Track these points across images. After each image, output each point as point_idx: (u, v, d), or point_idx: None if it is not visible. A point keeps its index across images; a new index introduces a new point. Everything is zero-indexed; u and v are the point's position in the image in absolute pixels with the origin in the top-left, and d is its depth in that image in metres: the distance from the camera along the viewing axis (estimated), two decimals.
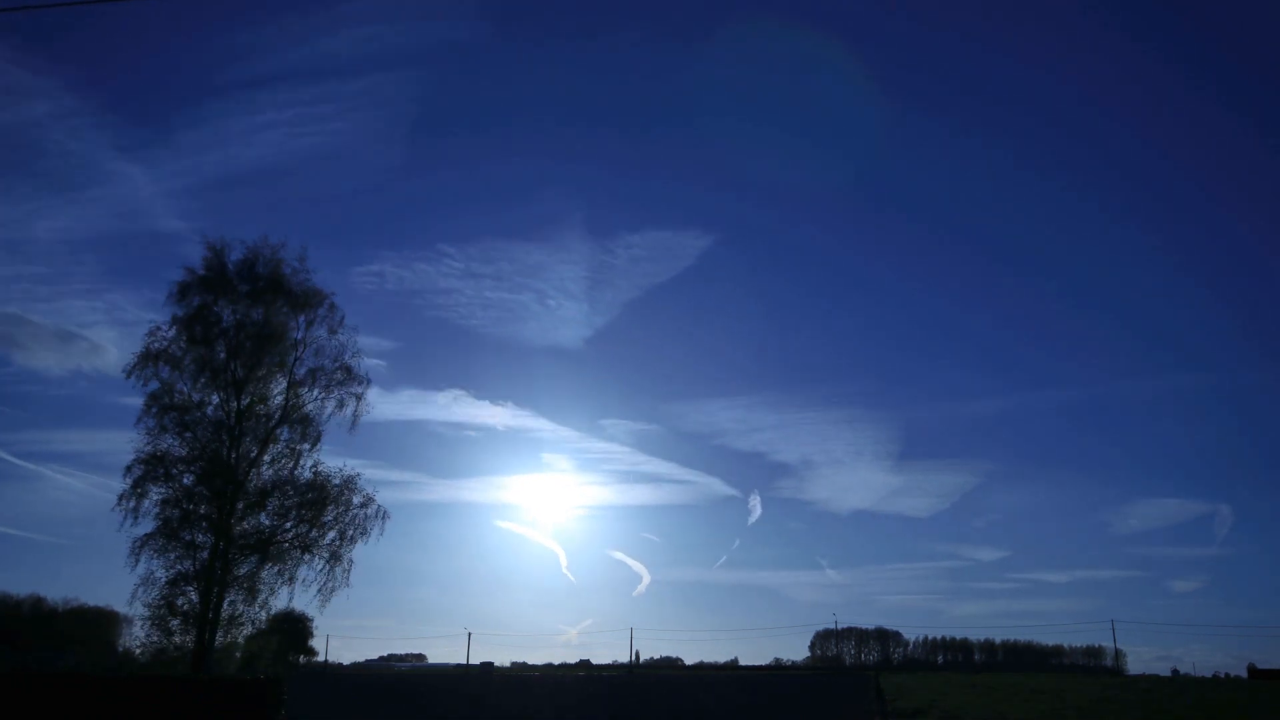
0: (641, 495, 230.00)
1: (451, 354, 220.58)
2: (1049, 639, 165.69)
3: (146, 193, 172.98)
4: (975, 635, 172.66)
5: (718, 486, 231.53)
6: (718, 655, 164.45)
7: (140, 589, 29.94)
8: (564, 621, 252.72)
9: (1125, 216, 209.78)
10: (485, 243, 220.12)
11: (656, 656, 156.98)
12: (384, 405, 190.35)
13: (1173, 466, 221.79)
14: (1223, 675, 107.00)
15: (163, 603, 30.08)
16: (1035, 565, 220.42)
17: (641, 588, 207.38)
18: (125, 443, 31.20)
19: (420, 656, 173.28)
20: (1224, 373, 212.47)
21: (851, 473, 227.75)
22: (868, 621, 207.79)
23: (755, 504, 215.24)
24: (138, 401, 31.32)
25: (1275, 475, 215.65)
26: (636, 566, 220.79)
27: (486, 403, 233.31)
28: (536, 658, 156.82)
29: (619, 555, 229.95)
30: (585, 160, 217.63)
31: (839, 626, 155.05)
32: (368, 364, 35.78)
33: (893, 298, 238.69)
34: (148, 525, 30.41)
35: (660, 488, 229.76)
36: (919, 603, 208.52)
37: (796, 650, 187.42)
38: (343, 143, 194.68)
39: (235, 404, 32.23)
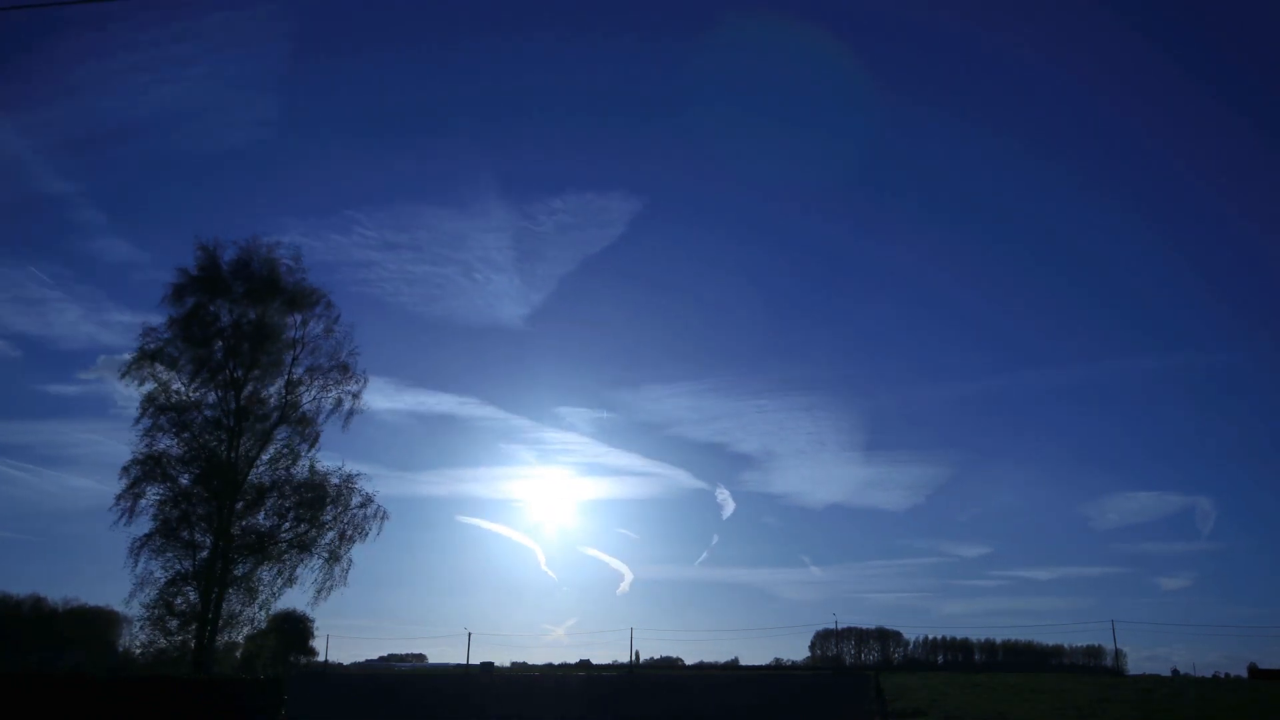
0: (609, 488, 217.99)
1: (383, 335, 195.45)
2: (1049, 639, 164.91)
3: (19, 148, 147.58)
4: (974, 635, 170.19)
5: (684, 479, 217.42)
6: (718, 655, 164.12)
7: (139, 589, 29.97)
8: (548, 620, 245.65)
9: (1103, 191, 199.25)
10: (395, 208, 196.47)
11: (656, 656, 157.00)
12: None
13: (1149, 458, 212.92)
14: (1223, 675, 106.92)
15: (162, 603, 30.05)
16: (1020, 562, 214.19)
17: (624, 585, 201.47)
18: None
19: (420, 656, 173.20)
20: (1201, 353, 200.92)
21: (818, 465, 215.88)
22: (857, 620, 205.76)
23: (725, 498, 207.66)
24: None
25: (1256, 466, 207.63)
26: (616, 564, 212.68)
27: (431, 389, 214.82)
28: (531, 657, 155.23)
29: (594, 552, 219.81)
30: (492, 109, 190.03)
31: (839, 626, 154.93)
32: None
33: (848, 275, 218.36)
34: (145, 525, 30.46)
35: (625, 480, 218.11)
36: (907, 601, 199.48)
37: (796, 650, 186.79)
38: (208, 91, 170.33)
39: (233, 403, 32.20)
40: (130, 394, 31.51)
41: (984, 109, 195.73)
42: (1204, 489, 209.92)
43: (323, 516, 32.11)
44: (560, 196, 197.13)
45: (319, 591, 31.57)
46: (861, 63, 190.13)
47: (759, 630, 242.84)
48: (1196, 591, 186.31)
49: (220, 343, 32.44)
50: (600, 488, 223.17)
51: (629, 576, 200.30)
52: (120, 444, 31.26)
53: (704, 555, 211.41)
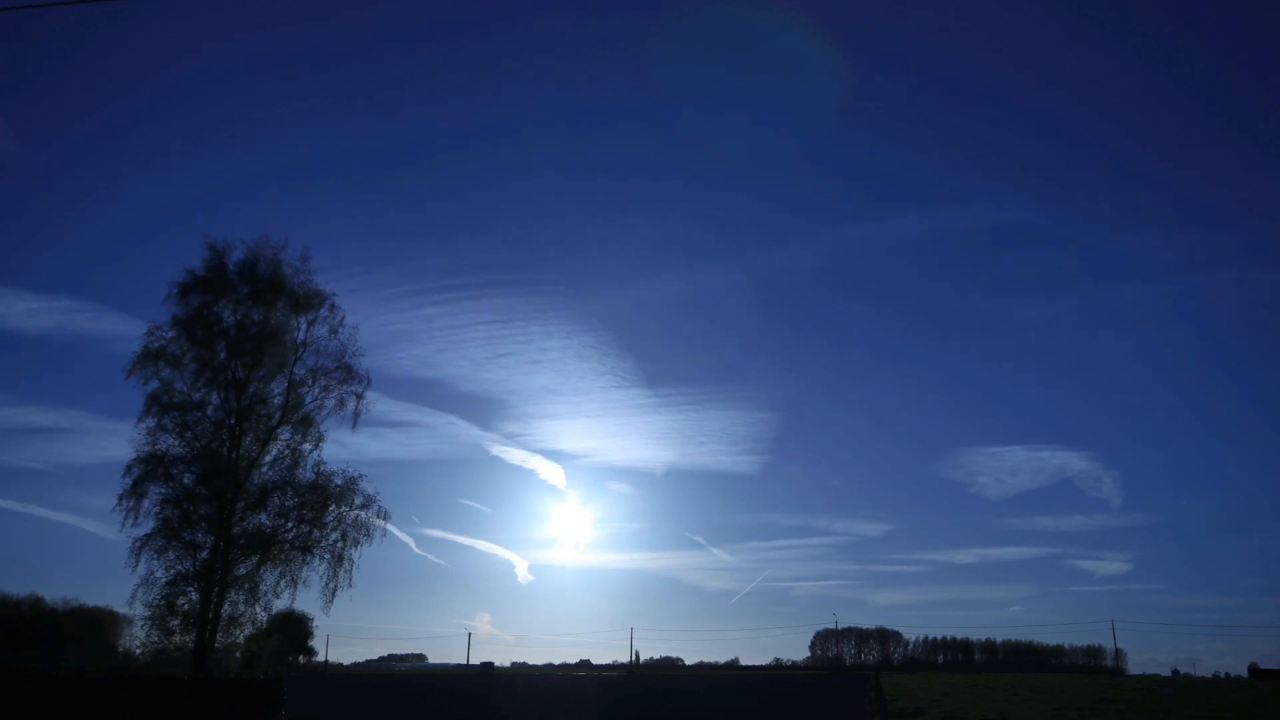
0: (386, 445, 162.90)
1: None
2: (1045, 639, 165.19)
3: None
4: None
5: (469, 433, 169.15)
6: (717, 655, 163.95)
7: (140, 589, 30.01)
8: (458, 615, 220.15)
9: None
10: None
11: (656, 656, 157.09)
12: None
13: (997, 404, 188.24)
14: (1223, 675, 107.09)
15: (163, 603, 30.10)
16: (924, 543, 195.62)
17: (523, 573, 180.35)
18: None
19: (421, 656, 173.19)
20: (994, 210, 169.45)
21: (594, 411, 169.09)
22: (786, 612, 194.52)
23: (526, 459, 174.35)
24: None
25: (1139, 414, 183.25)
26: (494, 549, 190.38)
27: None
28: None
29: (460, 538, 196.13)
30: None
31: (839, 626, 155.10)
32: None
33: (493, 119, 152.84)
34: (147, 525, 30.51)
35: (400, 434, 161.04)
36: (834, 590, 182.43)
37: (797, 650, 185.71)
38: None
39: (235, 404, 32.24)
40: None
41: None
42: (1077, 442, 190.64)
43: (325, 517, 32.18)
44: None
45: (329, 595, 31.59)
46: None
47: (758, 630, 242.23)
48: (1138, 577, 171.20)
49: (223, 343, 32.52)
50: (371, 443, 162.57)
51: (523, 564, 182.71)
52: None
53: (586, 538, 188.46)
